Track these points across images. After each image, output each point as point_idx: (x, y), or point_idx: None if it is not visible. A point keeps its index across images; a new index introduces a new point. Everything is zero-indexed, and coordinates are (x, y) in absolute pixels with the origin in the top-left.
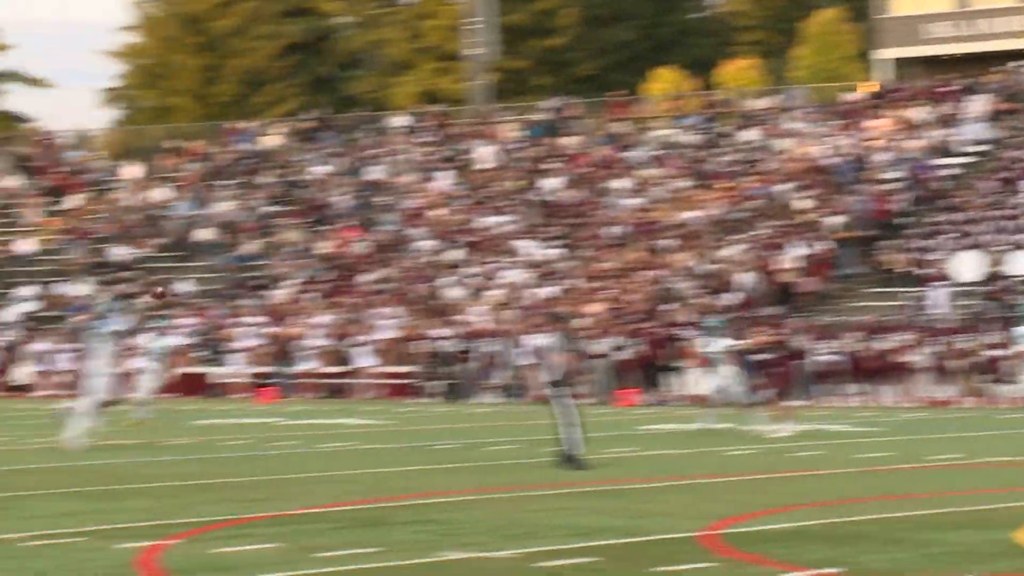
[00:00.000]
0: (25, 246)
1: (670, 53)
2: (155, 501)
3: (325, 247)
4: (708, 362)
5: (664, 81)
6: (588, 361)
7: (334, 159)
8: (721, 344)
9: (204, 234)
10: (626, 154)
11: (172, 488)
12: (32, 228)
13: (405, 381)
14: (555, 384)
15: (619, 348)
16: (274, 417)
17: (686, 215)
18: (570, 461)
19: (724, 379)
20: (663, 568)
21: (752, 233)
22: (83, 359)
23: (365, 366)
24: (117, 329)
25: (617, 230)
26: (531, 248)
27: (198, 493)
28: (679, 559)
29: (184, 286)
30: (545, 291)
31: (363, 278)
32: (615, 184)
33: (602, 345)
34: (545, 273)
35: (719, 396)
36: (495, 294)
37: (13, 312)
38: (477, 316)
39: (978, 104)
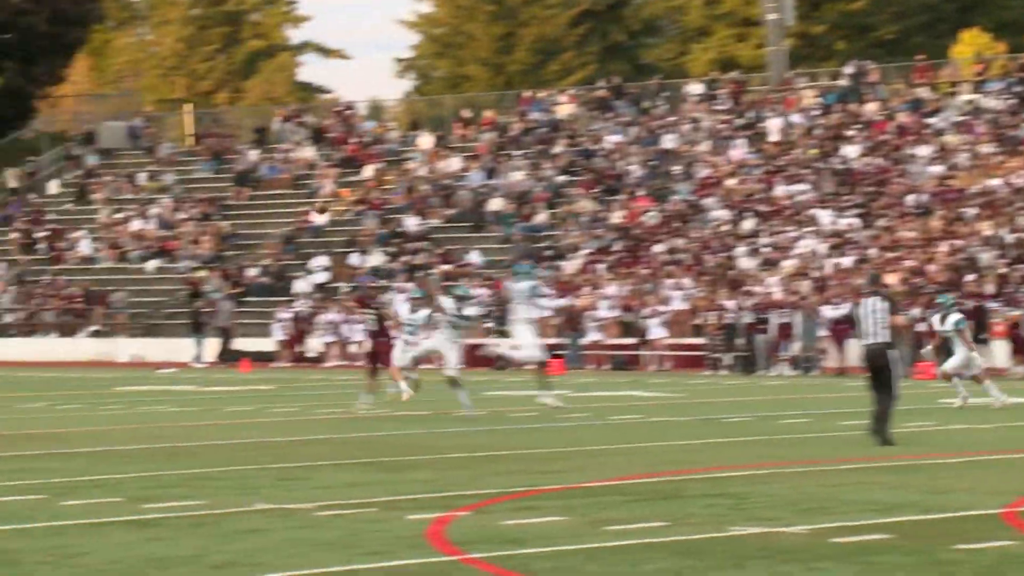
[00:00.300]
0: (319, 217)
1: (976, 15)
2: (443, 473)
3: (617, 217)
4: (942, 340)
5: (969, 44)
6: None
7: (627, 128)
8: (950, 321)
9: (496, 204)
10: (928, 120)
11: (460, 460)
12: (326, 199)
13: (696, 353)
14: (883, 348)
15: (920, 320)
16: (563, 389)
17: (990, 183)
18: (881, 434)
19: (959, 357)
20: (962, 546)
21: None
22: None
23: (655, 338)
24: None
25: (917, 198)
26: (827, 217)
27: (486, 465)
28: (979, 536)
29: (474, 257)
30: (840, 261)
31: (655, 248)
32: (916, 151)
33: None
34: (841, 243)
35: (953, 373)
36: (789, 264)
37: (306, 283)
38: (771, 287)
39: None
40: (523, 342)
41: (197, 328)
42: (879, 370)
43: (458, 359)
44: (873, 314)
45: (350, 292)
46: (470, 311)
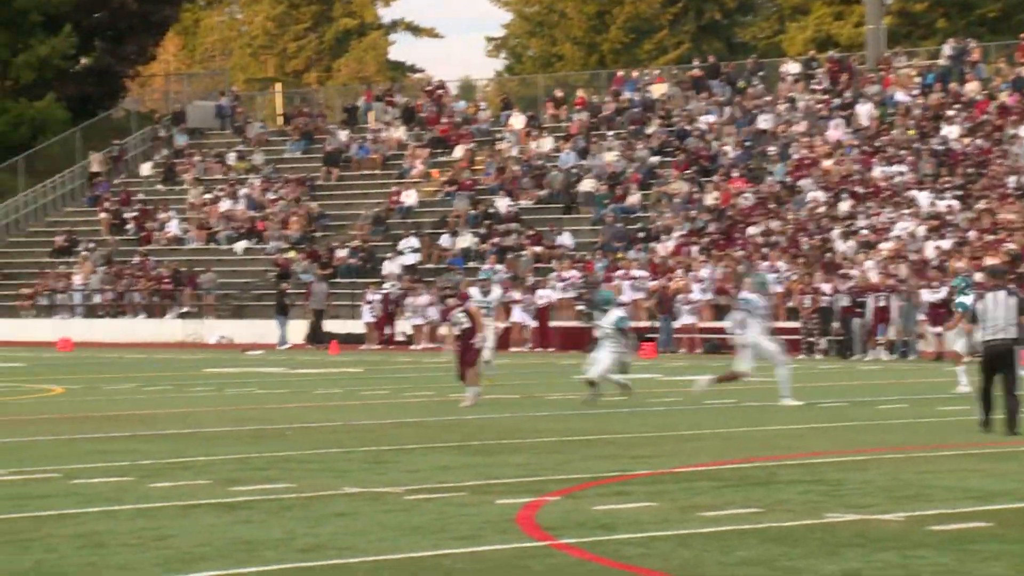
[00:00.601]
0: (409, 198)
1: None
2: (535, 457)
3: (711, 199)
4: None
5: None
6: None
7: (722, 108)
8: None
9: (588, 185)
10: None
11: (552, 444)
12: (416, 180)
13: (791, 337)
14: (1010, 345)
15: None
16: (654, 373)
17: None
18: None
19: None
20: None
21: None
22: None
23: None
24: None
25: (1019, 180)
26: (925, 199)
27: (578, 449)
28: None
29: (565, 239)
30: (939, 244)
31: (749, 231)
32: (1018, 131)
33: None
34: (939, 225)
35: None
36: (887, 247)
37: (395, 265)
38: (867, 270)
39: None
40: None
41: (281, 310)
42: (1000, 367)
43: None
44: (999, 308)
45: (446, 279)
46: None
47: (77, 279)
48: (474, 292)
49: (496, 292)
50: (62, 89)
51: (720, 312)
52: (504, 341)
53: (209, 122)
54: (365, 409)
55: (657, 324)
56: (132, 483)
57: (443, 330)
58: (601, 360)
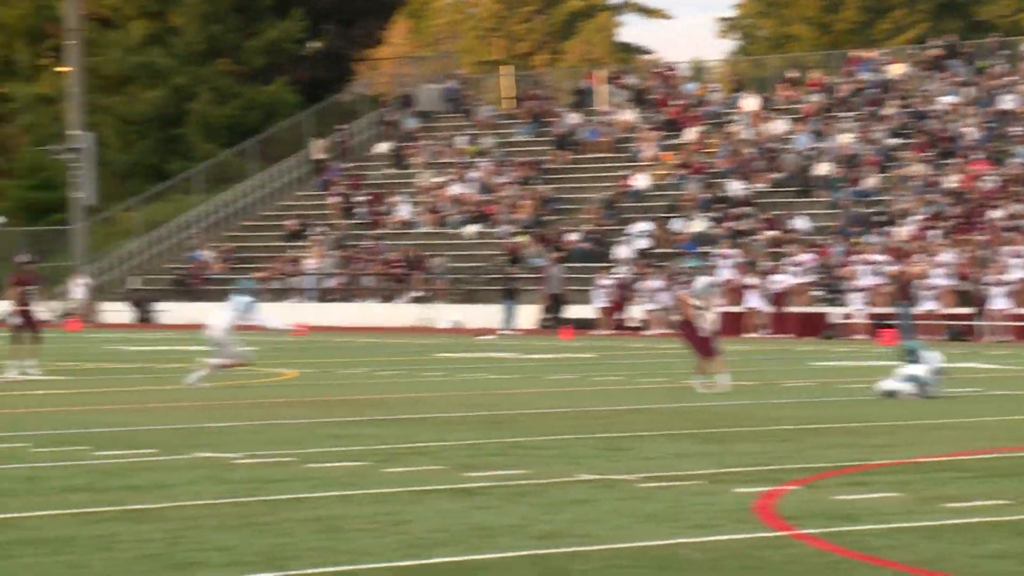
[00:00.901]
0: (640, 181)
1: None
2: (771, 445)
3: (951, 181)
4: None
5: None
6: None
7: (962, 88)
8: None
9: (823, 168)
10: None
11: (789, 432)
12: (647, 163)
13: None
14: None
15: None
16: (893, 360)
17: None
18: None
19: None
20: None
21: None
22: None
23: (995, 308)
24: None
25: None
26: None
27: (815, 437)
28: None
29: (800, 223)
30: None
31: (992, 214)
32: None
33: None
34: None
35: None
36: None
37: (627, 249)
38: None
39: None
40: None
41: (508, 294)
42: None
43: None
44: None
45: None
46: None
47: (309, 263)
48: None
49: (702, 282)
50: (292, 73)
51: (962, 298)
52: (737, 327)
53: (437, 105)
54: (599, 395)
55: (896, 310)
56: (367, 468)
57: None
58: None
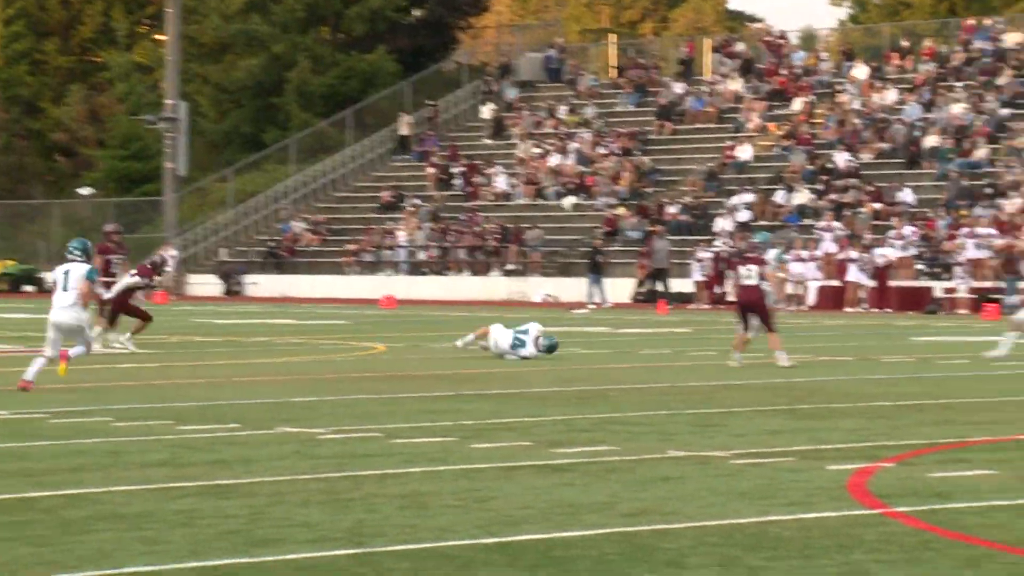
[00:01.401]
0: (743, 152)
1: None
2: (867, 421)
3: None
4: None
5: None
6: None
7: None
8: None
9: (932, 139)
10: None
11: (886, 408)
12: (752, 133)
13: None
14: None
15: None
16: (997, 336)
17: None
18: None
19: None
20: None
21: None
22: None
23: None
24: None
25: None
26: None
27: (913, 414)
28: None
29: (906, 195)
30: None
31: None
32: None
33: None
34: None
35: None
36: None
37: (728, 221)
38: None
39: None
40: None
41: (594, 268)
42: None
43: None
44: None
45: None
46: None
47: (402, 235)
48: (771, 255)
49: (772, 253)
50: (393, 42)
51: None
52: (838, 301)
53: (540, 75)
54: (692, 370)
55: (1003, 284)
56: (454, 443)
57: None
58: None
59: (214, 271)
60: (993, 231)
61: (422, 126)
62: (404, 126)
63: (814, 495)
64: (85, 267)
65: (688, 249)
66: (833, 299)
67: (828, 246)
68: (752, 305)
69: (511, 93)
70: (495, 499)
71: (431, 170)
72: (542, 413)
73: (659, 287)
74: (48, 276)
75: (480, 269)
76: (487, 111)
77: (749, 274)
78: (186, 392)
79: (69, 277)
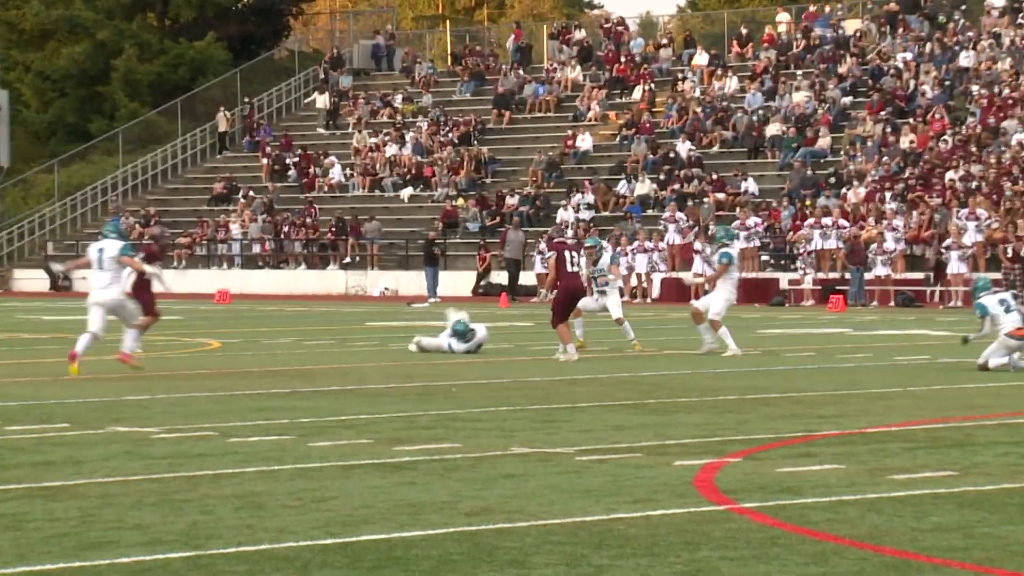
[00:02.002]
0: (584, 142)
1: None
2: (714, 416)
3: (907, 142)
4: None
5: None
6: None
7: (920, 44)
8: None
9: (774, 128)
10: None
11: (732, 402)
12: (593, 122)
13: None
14: None
15: None
16: (843, 327)
17: None
18: None
19: None
20: None
21: None
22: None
23: (949, 273)
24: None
25: None
26: None
27: (760, 408)
28: None
29: (750, 184)
30: None
31: (948, 176)
32: None
33: None
34: None
35: None
36: None
37: (569, 213)
38: None
39: None
40: None
41: (430, 260)
42: None
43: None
44: None
45: (622, 228)
46: None
47: (235, 228)
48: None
49: (606, 257)
50: (223, 28)
51: (915, 263)
52: (683, 293)
53: (374, 63)
54: (535, 365)
55: (848, 275)
56: (291, 442)
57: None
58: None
59: (40, 266)
60: (837, 221)
61: (237, 124)
62: (222, 122)
63: (660, 492)
64: (119, 244)
65: (530, 241)
66: (678, 291)
67: (672, 237)
68: (576, 293)
69: (345, 81)
70: (334, 499)
71: (265, 161)
72: (381, 410)
73: (515, 281)
74: (87, 254)
75: (317, 263)
76: (321, 100)
77: (574, 262)
78: (11, 391)
79: (103, 256)
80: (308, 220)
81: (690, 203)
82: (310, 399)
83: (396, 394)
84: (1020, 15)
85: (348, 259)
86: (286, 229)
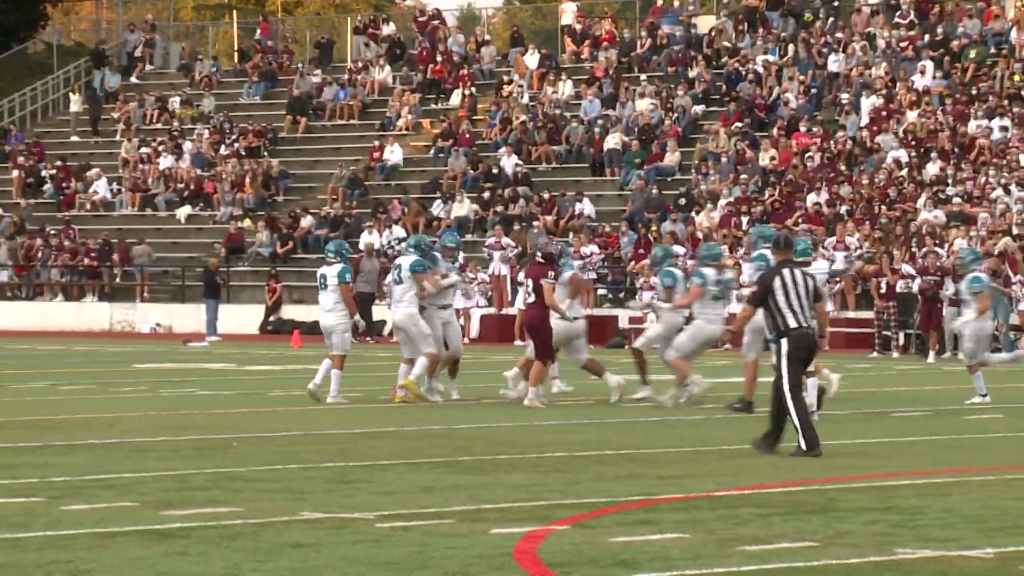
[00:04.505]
0: (394, 154)
1: None
2: (539, 475)
3: (767, 158)
4: None
5: None
6: None
7: (783, 46)
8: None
9: (614, 141)
10: None
11: (560, 460)
12: (403, 131)
13: (861, 330)
14: None
15: None
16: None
17: None
18: None
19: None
20: None
21: None
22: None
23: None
24: None
25: None
26: None
27: (591, 467)
28: None
29: (587, 207)
30: None
31: (812, 197)
32: None
33: None
34: None
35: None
36: (989, 220)
37: (376, 237)
38: (961, 248)
39: None
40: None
41: (211, 291)
42: None
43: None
44: None
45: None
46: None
47: None
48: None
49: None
50: None
51: None
52: (506, 333)
53: (148, 59)
54: (331, 415)
55: None
56: (41, 505)
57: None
58: None
59: None
60: (685, 249)
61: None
62: None
63: (475, 564)
64: (338, 267)
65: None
66: (499, 330)
67: (497, 267)
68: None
69: (112, 80)
70: (91, 572)
71: (15, 173)
72: (148, 467)
73: (369, 318)
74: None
75: (76, 293)
76: (80, 102)
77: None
78: None
79: (327, 279)
80: (66, 243)
81: (516, 227)
82: (64, 454)
83: (166, 449)
84: (896, 14)
85: (113, 289)
86: (40, 254)
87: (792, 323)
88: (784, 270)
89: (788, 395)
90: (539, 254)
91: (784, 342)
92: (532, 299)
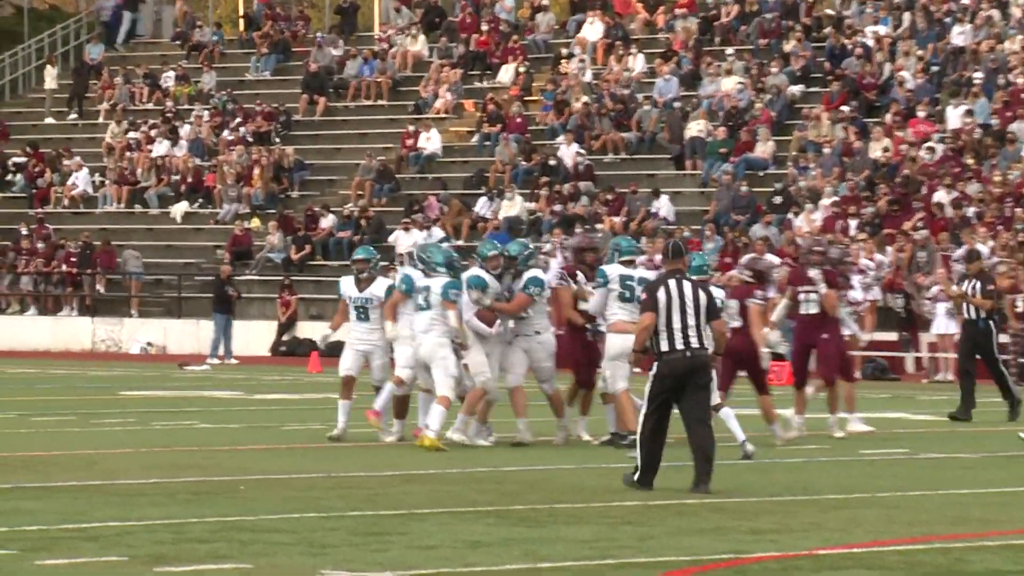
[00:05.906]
0: (429, 141)
1: None
2: (607, 528)
3: (878, 149)
4: None
5: None
6: None
7: (898, 15)
8: None
9: (696, 128)
10: None
11: (632, 509)
12: (442, 114)
13: None
14: None
15: None
16: (786, 407)
17: None
18: None
19: None
20: None
21: None
22: None
23: (939, 333)
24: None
25: None
26: None
27: (669, 519)
28: None
29: (663, 205)
30: None
31: (936, 197)
32: None
33: None
34: None
35: None
36: None
37: (409, 239)
38: None
39: None
40: None
41: (222, 305)
42: None
43: None
44: None
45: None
46: None
47: None
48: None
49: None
50: None
51: (887, 319)
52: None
53: (137, 27)
54: (356, 453)
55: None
56: (12, 559)
57: None
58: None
59: None
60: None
61: None
62: None
63: None
64: (444, 280)
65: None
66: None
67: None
68: None
69: (94, 52)
70: None
71: None
72: (138, 515)
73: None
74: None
75: (52, 306)
76: (56, 77)
77: None
78: None
79: (430, 294)
80: (40, 246)
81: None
82: (39, 499)
83: (159, 493)
84: None
85: (95, 301)
86: (8, 258)
87: (664, 346)
88: (670, 280)
89: (639, 423)
90: (745, 271)
91: (655, 366)
92: (738, 323)
